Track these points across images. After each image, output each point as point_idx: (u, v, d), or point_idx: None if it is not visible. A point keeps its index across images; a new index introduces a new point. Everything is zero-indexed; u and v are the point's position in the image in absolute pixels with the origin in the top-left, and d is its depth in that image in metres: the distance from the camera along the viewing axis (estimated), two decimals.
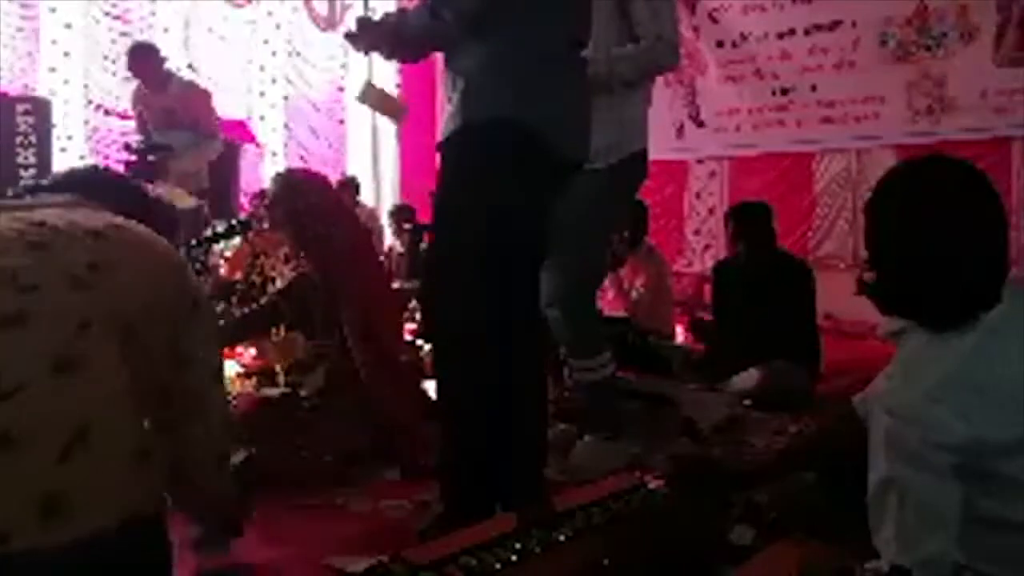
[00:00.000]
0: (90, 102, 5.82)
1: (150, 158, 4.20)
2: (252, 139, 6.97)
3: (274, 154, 7.20)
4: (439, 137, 1.72)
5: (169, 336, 1.09)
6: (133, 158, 4.23)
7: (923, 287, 1.17)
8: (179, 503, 1.29)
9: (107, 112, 5.84)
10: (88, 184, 1.24)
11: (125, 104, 5.16)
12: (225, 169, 5.45)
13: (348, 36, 1.76)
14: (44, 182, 1.29)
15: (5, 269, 0.95)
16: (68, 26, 5.65)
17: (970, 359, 1.12)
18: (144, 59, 4.33)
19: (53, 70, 5.63)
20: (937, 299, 1.16)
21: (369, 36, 1.74)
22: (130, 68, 4.39)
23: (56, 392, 0.91)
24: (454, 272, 1.63)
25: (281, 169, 4.32)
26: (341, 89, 7.68)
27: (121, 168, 4.44)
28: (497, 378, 1.61)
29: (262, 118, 7.20)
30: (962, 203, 1.18)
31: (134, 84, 4.63)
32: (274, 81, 7.25)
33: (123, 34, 5.87)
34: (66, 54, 5.67)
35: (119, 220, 1.13)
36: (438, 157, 1.73)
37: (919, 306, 1.19)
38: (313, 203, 2.42)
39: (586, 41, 1.79)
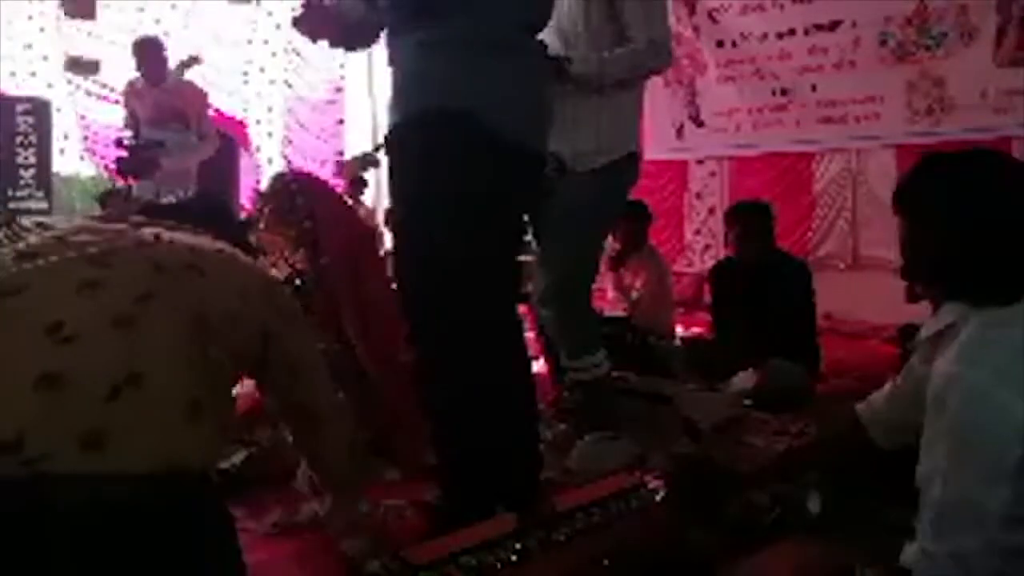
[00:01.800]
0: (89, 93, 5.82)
1: (141, 155, 4.17)
2: (246, 143, 6.97)
3: (270, 161, 7.21)
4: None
5: (265, 346, 1.24)
6: (124, 153, 4.21)
7: (993, 263, 1.18)
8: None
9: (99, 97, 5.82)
10: (198, 215, 1.44)
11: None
12: (224, 169, 5.44)
13: (294, 22, 1.73)
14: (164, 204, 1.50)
15: (102, 253, 1.10)
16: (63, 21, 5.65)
17: None
18: (150, 52, 4.32)
19: (46, 58, 5.63)
20: (1006, 273, 1.17)
21: (311, 23, 1.70)
22: (137, 60, 4.37)
23: (112, 340, 1.01)
24: (424, 273, 1.59)
25: (278, 169, 4.31)
26: (340, 89, 7.69)
27: (112, 163, 4.42)
28: (479, 377, 1.58)
29: (258, 122, 7.21)
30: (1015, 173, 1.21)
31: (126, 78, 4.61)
32: (272, 82, 7.25)
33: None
34: (66, 55, 5.68)
35: (226, 247, 1.28)
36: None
37: (987, 284, 1.19)
38: (301, 203, 2.42)
39: (541, 26, 1.72)
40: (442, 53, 1.56)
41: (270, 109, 7.28)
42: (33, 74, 5.62)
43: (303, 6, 1.71)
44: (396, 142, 1.65)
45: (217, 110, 5.34)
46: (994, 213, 1.18)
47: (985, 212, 1.18)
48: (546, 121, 1.72)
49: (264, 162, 7.15)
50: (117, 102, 4.79)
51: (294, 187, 2.47)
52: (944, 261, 1.23)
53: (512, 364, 1.66)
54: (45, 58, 5.64)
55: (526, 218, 1.81)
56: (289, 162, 7.27)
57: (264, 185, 2.94)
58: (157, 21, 6.13)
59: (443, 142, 1.55)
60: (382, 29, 1.70)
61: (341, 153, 7.85)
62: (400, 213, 1.66)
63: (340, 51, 1.79)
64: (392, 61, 1.66)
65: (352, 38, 1.77)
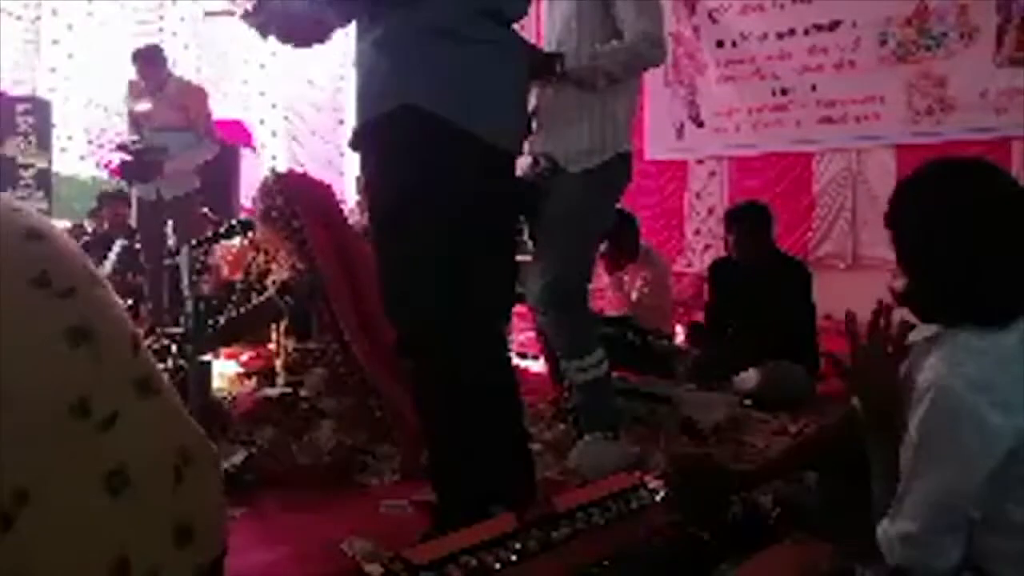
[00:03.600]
0: (90, 101, 5.82)
1: (144, 159, 4.19)
2: (249, 142, 6.96)
3: (274, 157, 7.21)
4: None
5: None
6: (128, 157, 4.22)
7: (973, 288, 1.18)
8: None
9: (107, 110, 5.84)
10: None
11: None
12: (224, 169, 5.43)
13: (243, 16, 1.69)
14: None
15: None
16: (69, 27, 5.66)
17: (1013, 354, 1.14)
18: (151, 62, 4.34)
19: (53, 70, 5.64)
20: (988, 298, 1.18)
21: (260, 16, 1.67)
22: (137, 70, 4.39)
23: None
24: (402, 273, 1.58)
25: (278, 170, 4.31)
26: (341, 90, 7.70)
27: (115, 168, 4.44)
28: (456, 377, 1.55)
29: (262, 122, 7.21)
30: (1006, 197, 1.20)
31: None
32: (274, 81, 7.26)
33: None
34: (70, 56, 5.68)
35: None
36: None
37: (968, 308, 1.19)
38: (281, 202, 2.42)
39: (510, 14, 1.65)
40: (383, 49, 1.54)
41: (274, 106, 7.28)
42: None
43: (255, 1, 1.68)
44: (360, 151, 1.64)
45: (219, 120, 5.32)
46: (960, 239, 1.18)
47: (952, 238, 1.18)
48: (507, 109, 1.65)
49: (268, 159, 7.15)
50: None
51: (275, 187, 2.47)
52: (917, 284, 1.25)
53: (493, 362, 1.64)
54: (52, 69, 5.63)
55: (509, 217, 1.77)
56: (298, 159, 7.28)
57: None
58: (174, 33, 6.12)
59: (389, 140, 1.54)
60: (330, 24, 1.67)
61: (343, 154, 7.86)
62: (374, 225, 1.65)
63: (341, 49, 1.76)
64: (356, 63, 1.65)
65: (297, 32, 1.74)
